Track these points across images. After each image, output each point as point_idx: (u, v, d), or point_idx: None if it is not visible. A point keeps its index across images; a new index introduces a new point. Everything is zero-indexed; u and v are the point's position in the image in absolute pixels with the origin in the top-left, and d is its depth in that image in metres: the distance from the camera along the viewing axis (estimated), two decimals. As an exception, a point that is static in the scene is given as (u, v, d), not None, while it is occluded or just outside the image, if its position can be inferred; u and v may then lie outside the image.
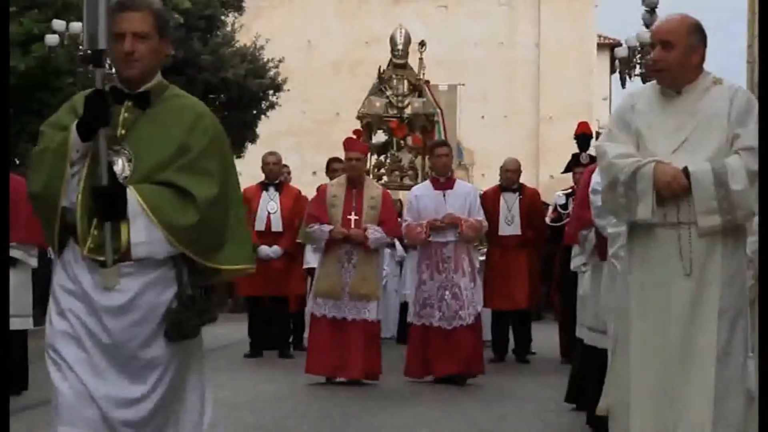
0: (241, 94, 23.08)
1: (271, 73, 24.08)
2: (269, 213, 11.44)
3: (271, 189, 11.54)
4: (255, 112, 23.92)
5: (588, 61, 32.69)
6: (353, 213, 9.27)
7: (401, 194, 16.87)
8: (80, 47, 15.05)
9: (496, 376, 9.85)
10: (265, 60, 24.15)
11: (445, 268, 9.43)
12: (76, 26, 14.94)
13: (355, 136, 9.65)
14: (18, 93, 16.11)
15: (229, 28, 24.04)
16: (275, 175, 11.63)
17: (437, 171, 9.84)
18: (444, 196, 9.60)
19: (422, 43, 13.13)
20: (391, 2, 32.33)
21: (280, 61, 24.33)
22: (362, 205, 9.31)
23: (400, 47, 13.10)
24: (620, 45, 23.38)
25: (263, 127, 24.62)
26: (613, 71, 37.35)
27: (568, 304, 9.08)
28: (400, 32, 13.20)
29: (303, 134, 30.60)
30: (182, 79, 22.06)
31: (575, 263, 7.64)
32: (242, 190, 13.34)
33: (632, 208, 4.32)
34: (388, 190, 13.98)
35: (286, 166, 12.45)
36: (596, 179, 6.47)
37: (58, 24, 15.01)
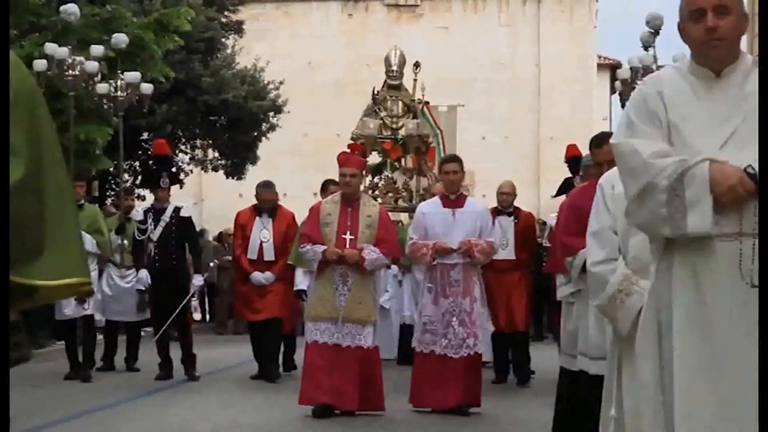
0: (242, 116, 23.10)
1: (272, 95, 24.11)
2: (262, 242, 11.26)
3: (265, 215, 11.35)
4: (256, 134, 23.94)
5: (588, 81, 32.76)
6: (348, 232, 8.67)
7: (402, 216, 16.83)
8: (69, 71, 14.85)
9: (499, 400, 9.59)
10: (266, 82, 24.19)
11: (452, 292, 8.80)
12: (62, 51, 14.79)
13: (349, 151, 9.19)
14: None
15: (229, 51, 24.08)
16: (270, 207, 11.42)
17: (446, 188, 9.24)
18: (453, 214, 8.97)
19: (417, 64, 12.81)
20: (392, 23, 32.44)
21: (281, 83, 24.36)
22: (358, 224, 8.71)
23: (394, 68, 12.83)
24: (620, 66, 23.39)
25: (264, 149, 24.64)
26: (613, 91, 37.43)
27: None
28: (395, 53, 12.90)
29: (304, 155, 30.63)
30: (183, 100, 22.14)
31: (562, 293, 7.29)
32: (236, 214, 12.92)
33: (678, 219, 3.41)
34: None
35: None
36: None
37: (50, 48, 14.90)
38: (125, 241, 12.33)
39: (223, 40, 23.82)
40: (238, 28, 24.82)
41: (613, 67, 35.45)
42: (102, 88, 15.34)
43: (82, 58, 14.74)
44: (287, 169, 28.85)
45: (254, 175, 20.61)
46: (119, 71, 15.73)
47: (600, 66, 34.45)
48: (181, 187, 24.73)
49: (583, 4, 32.94)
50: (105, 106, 15.75)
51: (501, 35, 32.80)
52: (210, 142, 23.98)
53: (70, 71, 14.64)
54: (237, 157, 24.03)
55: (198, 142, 24.19)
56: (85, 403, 9.29)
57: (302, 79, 30.55)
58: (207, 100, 22.38)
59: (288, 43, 31.96)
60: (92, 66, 14.75)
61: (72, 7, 14.76)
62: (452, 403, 8.77)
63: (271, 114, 24.05)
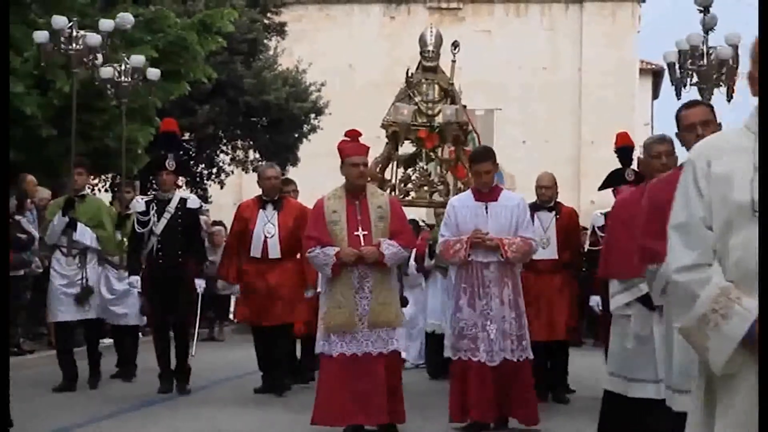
0: (283, 117, 23.22)
1: (313, 96, 24.22)
2: (266, 237, 9.96)
3: (269, 207, 10.05)
4: (296, 135, 24.06)
5: (630, 86, 32.59)
6: (360, 228, 7.69)
7: (432, 212, 16.63)
8: (72, 42, 13.65)
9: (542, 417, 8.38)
10: (307, 84, 24.30)
11: (486, 294, 8.01)
12: (62, 21, 13.57)
13: (350, 138, 8.02)
14: (62, 114, 16.30)
15: (271, 52, 24.22)
16: (275, 191, 10.15)
17: (479, 187, 8.37)
18: (486, 208, 8.17)
19: (455, 44, 11.46)
20: (434, 26, 32.43)
21: (322, 84, 24.44)
22: (369, 217, 7.75)
23: (430, 48, 11.43)
24: (662, 71, 23.11)
25: (303, 150, 24.75)
26: (655, 97, 37.23)
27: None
28: (431, 32, 11.64)
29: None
30: (224, 101, 22.30)
31: (617, 302, 6.36)
32: (238, 206, 10.67)
33: None
34: (420, 207, 12.89)
35: (291, 182, 11.27)
36: None
37: (52, 20, 13.84)
38: (124, 239, 10.67)
39: (265, 41, 23.97)
40: (280, 30, 24.95)
41: (655, 73, 35.28)
42: (106, 72, 14.68)
43: (83, 32, 13.95)
44: (324, 170, 28.86)
45: (294, 176, 20.59)
46: (124, 54, 15.33)
47: (642, 71, 34.27)
48: (221, 188, 24.92)
49: (626, 8, 32.79)
50: (109, 92, 15.08)
51: (543, 39, 32.71)
52: (251, 142, 24.12)
53: (74, 45, 13.67)
54: (277, 159, 24.09)
55: (239, 142, 24.35)
56: (97, 411, 8.96)
57: (342, 81, 30.62)
58: (248, 101, 22.53)
59: (329, 44, 32.05)
60: (95, 39, 13.66)
61: None
62: (494, 416, 8.06)
63: (312, 115, 24.16)
